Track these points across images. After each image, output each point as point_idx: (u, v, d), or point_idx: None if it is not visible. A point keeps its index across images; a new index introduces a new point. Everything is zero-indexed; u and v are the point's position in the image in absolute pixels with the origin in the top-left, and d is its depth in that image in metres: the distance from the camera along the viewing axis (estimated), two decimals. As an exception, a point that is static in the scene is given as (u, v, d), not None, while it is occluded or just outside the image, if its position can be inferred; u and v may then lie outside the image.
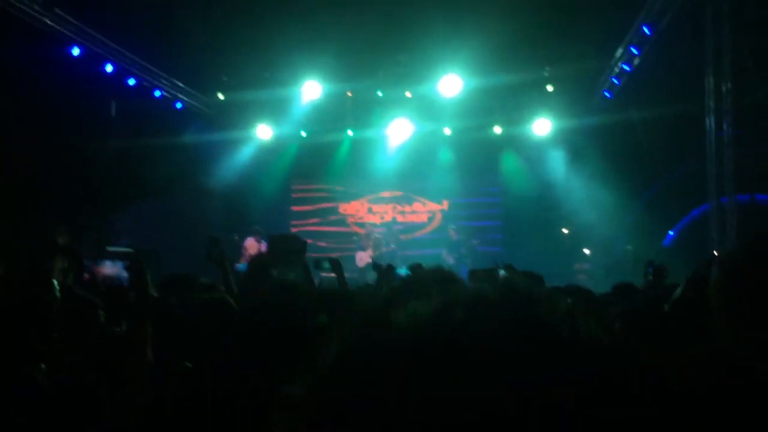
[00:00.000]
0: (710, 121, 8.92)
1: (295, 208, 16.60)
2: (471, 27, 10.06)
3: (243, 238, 13.21)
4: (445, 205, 16.65)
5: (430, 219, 16.71)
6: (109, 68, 11.41)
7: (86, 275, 5.12)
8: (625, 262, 12.61)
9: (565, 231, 14.69)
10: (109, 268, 5.27)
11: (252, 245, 13.00)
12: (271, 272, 3.47)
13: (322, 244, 15.59)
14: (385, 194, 16.86)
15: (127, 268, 2.59)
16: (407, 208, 16.78)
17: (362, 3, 9.69)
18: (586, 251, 13.80)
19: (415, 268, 5.78)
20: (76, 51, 10.68)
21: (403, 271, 7.30)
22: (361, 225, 16.38)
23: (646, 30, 10.19)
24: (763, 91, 8.34)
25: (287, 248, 3.24)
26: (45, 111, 10.42)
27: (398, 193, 16.81)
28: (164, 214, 12.65)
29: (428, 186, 16.44)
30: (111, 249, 10.75)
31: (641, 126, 11.83)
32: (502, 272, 7.58)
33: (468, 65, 12.11)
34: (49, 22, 9.98)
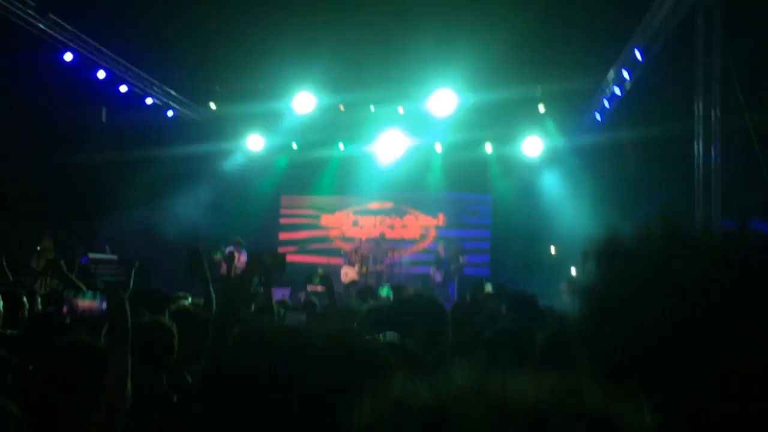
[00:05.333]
0: (698, 146, 8.95)
1: (283, 221, 16.53)
2: (463, 45, 10.10)
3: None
4: (441, 219, 16.35)
5: (423, 236, 16.34)
6: (101, 74, 11.37)
7: (65, 308, 5.07)
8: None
9: (552, 250, 14.70)
10: (89, 302, 5.20)
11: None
12: (251, 289, 3.43)
13: (309, 258, 15.44)
14: (374, 206, 16.39)
15: (106, 298, 2.50)
16: (398, 222, 16.44)
17: (356, 19, 9.71)
18: (573, 271, 13.80)
19: (398, 290, 5.77)
20: (68, 56, 10.64)
21: (385, 291, 7.26)
22: (347, 240, 15.99)
23: (637, 54, 10.26)
24: (752, 118, 8.39)
25: (267, 264, 3.21)
26: (35, 116, 10.38)
27: (388, 205, 16.37)
28: (152, 224, 12.59)
29: (421, 199, 16.24)
30: (93, 256, 10.67)
31: (631, 148, 11.88)
32: (489, 287, 7.57)
33: (460, 82, 12.15)
34: (42, 26, 9.95)
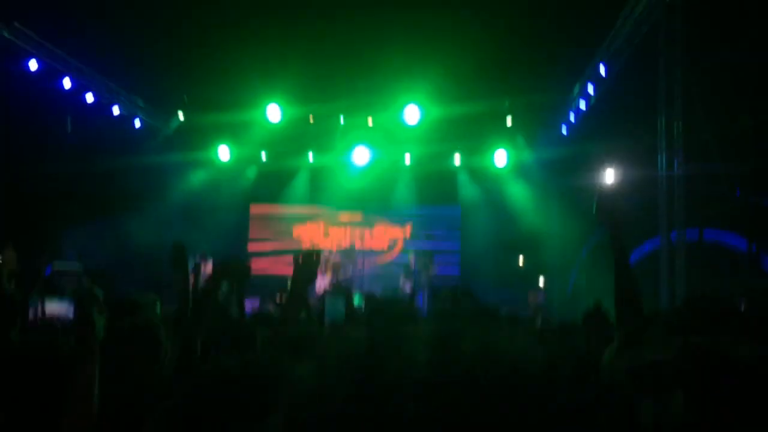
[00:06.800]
0: (662, 159, 9.16)
1: (253, 232, 16.43)
2: (432, 57, 10.21)
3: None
4: (408, 230, 16.51)
5: (391, 246, 16.51)
6: (67, 83, 11.23)
7: (31, 313, 5.01)
8: (578, 294, 12.78)
9: (521, 260, 14.84)
10: (57, 307, 5.15)
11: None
12: (216, 297, 3.44)
13: (280, 269, 15.33)
14: (344, 218, 16.51)
15: (75, 306, 2.48)
16: (367, 234, 16.50)
17: (325, 32, 9.77)
18: (541, 281, 13.95)
19: (370, 298, 5.80)
20: (33, 65, 10.50)
21: (356, 299, 7.28)
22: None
23: (602, 68, 10.47)
24: (712, 132, 8.61)
25: (231, 274, 3.21)
26: (-2, 125, 10.21)
27: (357, 218, 16.46)
28: (118, 235, 12.42)
29: (390, 210, 16.31)
30: (58, 266, 10.49)
31: (596, 160, 12.07)
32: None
33: (428, 95, 12.26)
34: (6, 34, 9.82)
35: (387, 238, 16.55)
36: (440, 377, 0.60)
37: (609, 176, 10.38)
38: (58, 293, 8.01)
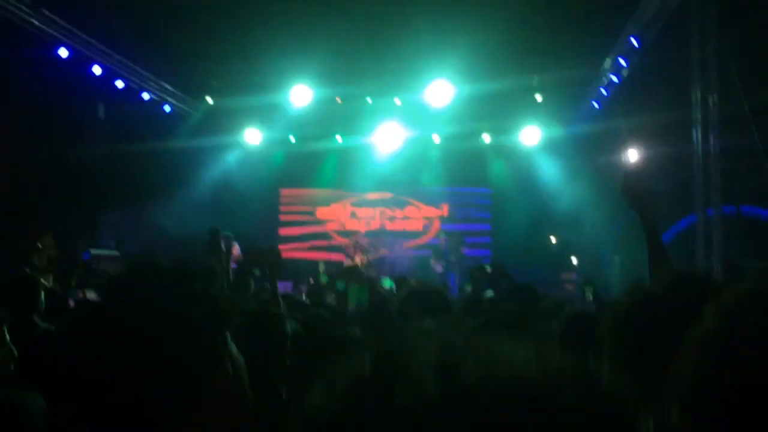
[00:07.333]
0: (697, 133, 8.95)
1: (283, 217, 16.49)
2: (459, 36, 10.07)
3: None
4: (445, 210, 16.20)
5: (426, 227, 16.16)
6: (97, 70, 11.33)
7: (71, 301, 5.12)
8: (611, 273, 12.63)
9: (553, 240, 14.70)
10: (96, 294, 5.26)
11: None
12: (249, 282, 3.50)
13: (311, 254, 15.35)
14: (372, 196, 16.17)
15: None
16: (398, 213, 16.22)
17: (352, 11, 9.69)
18: (574, 260, 13.82)
19: (400, 282, 5.80)
20: (63, 52, 10.60)
21: (387, 283, 7.28)
22: (344, 234, 15.83)
23: (634, 41, 10.23)
24: (748, 104, 8.38)
25: (262, 261, 3.24)
26: (31, 113, 10.36)
27: (387, 195, 16.19)
28: (151, 218, 12.58)
29: (421, 191, 16.15)
30: (95, 252, 10.67)
31: (628, 135, 11.86)
32: (488, 268, 7.66)
33: (456, 73, 12.11)
34: (36, 22, 9.91)
35: (422, 220, 16.28)
36: (444, 402, 0.59)
37: (633, 155, 10.20)
38: (95, 278, 8.16)
